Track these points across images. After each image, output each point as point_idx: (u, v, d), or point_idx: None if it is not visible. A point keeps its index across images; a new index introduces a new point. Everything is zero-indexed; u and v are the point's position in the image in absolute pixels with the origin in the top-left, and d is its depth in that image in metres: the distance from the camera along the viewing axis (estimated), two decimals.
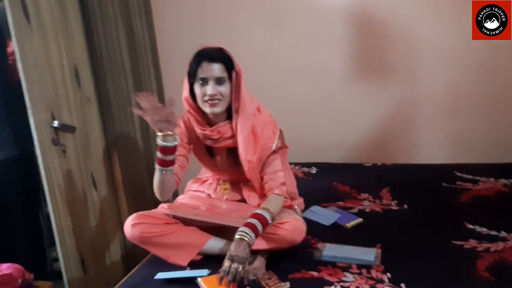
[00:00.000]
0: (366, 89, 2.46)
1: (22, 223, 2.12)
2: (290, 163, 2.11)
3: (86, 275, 2.04)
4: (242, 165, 1.74)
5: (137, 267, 1.74)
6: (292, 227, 1.61)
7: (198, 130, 1.74)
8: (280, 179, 1.74)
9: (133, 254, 2.29)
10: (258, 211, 1.59)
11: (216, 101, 1.65)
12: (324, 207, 2.00)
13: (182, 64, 1.70)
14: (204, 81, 1.65)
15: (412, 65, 2.38)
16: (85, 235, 2.06)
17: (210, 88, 1.63)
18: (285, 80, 2.53)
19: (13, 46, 1.74)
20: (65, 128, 1.94)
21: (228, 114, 1.72)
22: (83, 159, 2.06)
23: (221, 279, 1.44)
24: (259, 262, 1.56)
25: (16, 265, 1.73)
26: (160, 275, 1.53)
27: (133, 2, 2.18)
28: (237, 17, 2.49)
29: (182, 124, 1.81)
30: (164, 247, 1.64)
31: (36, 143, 1.82)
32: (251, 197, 1.82)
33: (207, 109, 1.67)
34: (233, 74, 1.66)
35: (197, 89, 1.67)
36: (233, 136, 1.72)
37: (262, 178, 1.77)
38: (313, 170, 2.41)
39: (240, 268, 1.45)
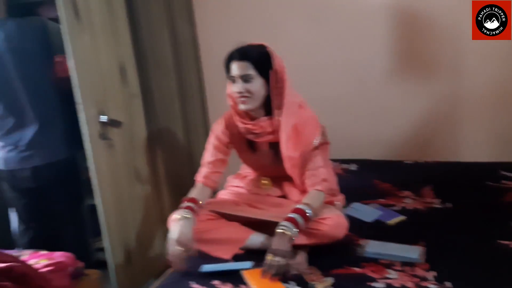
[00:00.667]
0: (408, 85, 2.42)
1: (66, 216, 2.20)
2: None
3: (130, 265, 2.11)
4: (284, 161, 1.75)
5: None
6: (334, 223, 1.62)
7: (241, 124, 1.78)
8: (321, 175, 1.74)
9: None
10: (299, 206, 1.60)
11: (244, 98, 1.68)
12: (365, 204, 1.99)
13: (222, 61, 1.74)
14: (233, 79, 1.69)
15: (455, 61, 2.33)
16: (129, 227, 2.13)
17: (237, 86, 1.68)
18: (325, 76, 2.52)
19: (65, 43, 1.81)
20: (113, 123, 2.01)
21: (268, 109, 1.74)
22: (129, 154, 2.12)
23: (264, 273, 1.47)
24: (301, 257, 1.58)
25: (68, 254, 1.81)
26: (206, 268, 1.57)
27: (176, 1, 2.23)
28: (278, 14, 2.50)
29: (223, 122, 1.85)
30: (207, 242, 1.69)
31: (85, 137, 1.89)
32: (292, 193, 1.83)
33: (239, 105, 1.71)
34: (271, 71, 1.68)
35: (230, 86, 1.72)
36: (274, 132, 1.74)
37: (303, 174, 1.79)
38: (353, 167, 2.39)
39: (283, 262, 1.48)
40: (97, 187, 1.94)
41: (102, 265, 2.07)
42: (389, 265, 1.52)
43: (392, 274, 1.47)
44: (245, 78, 1.66)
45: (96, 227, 2.45)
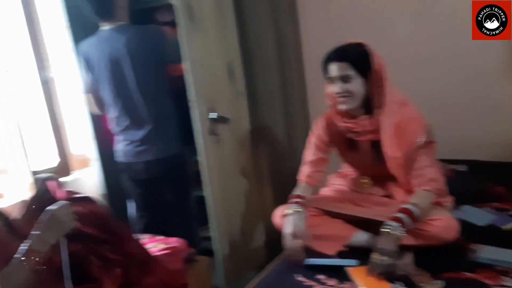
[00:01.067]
0: None
1: (176, 206, 2.36)
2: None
3: (235, 256, 2.22)
4: (387, 161, 1.73)
5: (284, 252, 1.84)
6: (445, 225, 1.56)
7: (341, 123, 1.78)
8: (429, 175, 1.68)
9: (276, 241, 2.41)
10: (406, 205, 1.57)
11: (343, 99, 1.68)
12: (476, 207, 1.89)
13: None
14: (332, 80, 1.69)
15: None
16: (234, 219, 2.24)
17: (336, 87, 1.68)
18: (431, 73, 2.42)
19: (181, 44, 1.95)
20: (221, 119, 2.12)
21: (368, 108, 1.72)
22: (234, 149, 2.24)
23: (370, 271, 1.47)
24: (408, 257, 1.55)
25: (181, 240, 1.96)
26: (311, 261, 1.61)
27: (281, 2, 2.29)
28: (381, 11, 2.45)
29: (323, 122, 1.87)
30: (312, 237, 1.72)
31: (197, 132, 2.03)
32: (397, 193, 1.80)
33: (339, 105, 1.72)
34: (370, 70, 1.66)
35: (328, 87, 1.73)
36: (375, 131, 1.72)
37: (408, 174, 1.74)
38: (462, 168, 2.27)
39: (389, 261, 1.46)
40: (207, 180, 2.06)
41: (207, 253, 2.20)
42: (505, 273, 1.43)
43: (508, 282, 1.39)
44: (344, 79, 1.66)
45: (202, 218, 2.63)
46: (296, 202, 1.72)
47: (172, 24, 2.33)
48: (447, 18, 2.34)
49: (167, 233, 2.10)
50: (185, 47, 1.93)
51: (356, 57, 1.66)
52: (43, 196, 1.45)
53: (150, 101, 2.16)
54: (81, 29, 2.18)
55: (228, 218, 2.20)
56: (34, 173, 2.15)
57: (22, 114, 2.14)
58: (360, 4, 2.46)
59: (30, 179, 2.12)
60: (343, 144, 1.86)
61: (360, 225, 1.73)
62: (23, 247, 1.24)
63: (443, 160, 2.29)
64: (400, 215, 1.54)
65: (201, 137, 2.02)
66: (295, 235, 1.63)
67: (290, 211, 1.69)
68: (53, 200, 1.39)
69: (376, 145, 1.75)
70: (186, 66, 1.97)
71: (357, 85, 1.66)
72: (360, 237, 1.70)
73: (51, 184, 1.53)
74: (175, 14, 1.92)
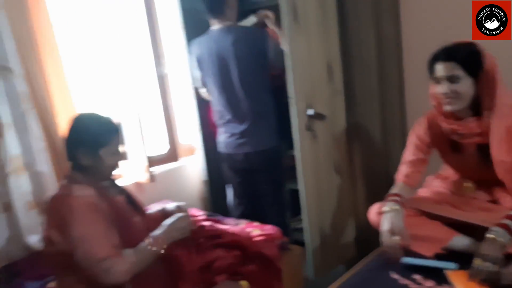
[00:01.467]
0: None
1: (270, 196, 2.48)
2: None
3: (324, 248, 2.28)
4: (494, 165, 1.67)
5: (378, 249, 1.86)
6: None
7: (445, 124, 1.75)
8: None
9: (366, 238, 2.44)
10: None
11: (450, 99, 1.64)
12: None
13: (424, 61, 1.72)
14: (438, 80, 1.66)
15: None
16: (325, 213, 2.30)
17: (442, 87, 1.64)
18: None
19: (284, 45, 2.05)
20: (318, 116, 2.19)
21: (476, 109, 1.68)
22: (329, 145, 2.29)
23: (472, 277, 1.45)
24: None
25: (276, 228, 2.07)
26: (407, 260, 1.62)
27: (383, 2, 2.29)
28: None
29: (425, 122, 1.85)
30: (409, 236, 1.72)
31: (294, 128, 2.11)
32: (504, 199, 1.73)
33: (444, 106, 1.68)
34: (481, 71, 1.61)
35: (433, 87, 1.70)
36: (483, 133, 1.66)
37: None
38: None
39: (493, 268, 1.43)
40: (301, 174, 2.14)
41: (297, 244, 2.28)
42: None
43: None
44: (451, 79, 1.62)
45: (294, 209, 2.72)
46: (394, 200, 1.74)
47: (277, 24, 2.45)
48: None
49: (261, 221, 2.22)
50: (288, 46, 2.02)
51: (465, 56, 1.62)
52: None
53: (251, 97, 2.30)
54: (193, 29, 2.37)
55: (320, 211, 2.26)
56: (148, 158, 2.39)
57: (141, 106, 2.37)
58: (467, 5, 2.36)
59: (145, 163, 2.36)
60: (446, 145, 1.82)
61: (459, 229, 1.70)
62: (155, 233, 1.56)
63: None
64: (507, 221, 1.49)
65: (298, 133, 2.10)
66: (392, 233, 1.65)
67: (388, 208, 1.71)
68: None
69: (482, 149, 1.70)
70: (288, 64, 2.06)
71: (465, 85, 1.62)
72: (460, 241, 1.67)
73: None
74: (280, 14, 2.02)
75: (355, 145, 2.44)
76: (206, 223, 2.07)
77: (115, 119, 1.59)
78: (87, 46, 2.30)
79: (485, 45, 1.71)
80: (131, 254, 1.47)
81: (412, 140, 1.89)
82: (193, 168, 2.79)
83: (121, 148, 1.59)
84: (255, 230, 2.06)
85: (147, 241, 1.53)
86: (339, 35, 2.31)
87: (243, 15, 2.45)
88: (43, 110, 2.03)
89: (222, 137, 2.45)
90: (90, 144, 1.49)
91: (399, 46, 2.35)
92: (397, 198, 1.74)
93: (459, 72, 1.61)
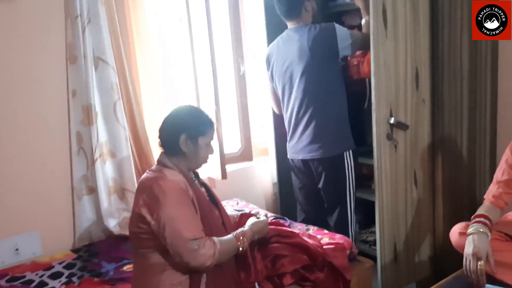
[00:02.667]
0: None
1: (331, 207, 2.38)
2: None
3: (396, 264, 2.18)
4: None
5: (456, 273, 1.74)
6: None
7: None
8: None
9: (442, 257, 2.29)
10: None
11: None
12: None
13: None
14: None
15: None
16: (400, 227, 2.18)
17: None
18: None
19: (371, 49, 1.97)
20: (400, 125, 2.09)
21: None
22: (410, 156, 2.17)
23: None
24: None
25: (347, 238, 2.00)
26: (491, 287, 1.49)
27: None
28: None
29: None
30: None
31: (374, 135, 2.03)
32: None
33: None
34: None
35: None
36: None
37: None
38: None
39: None
40: (378, 183, 2.06)
41: (367, 257, 2.19)
42: None
43: None
44: None
45: (366, 220, 2.62)
46: (480, 222, 1.60)
47: (359, 28, 2.37)
48: None
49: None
50: (373, 50, 1.95)
51: None
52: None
53: (320, 99, 2.20)
54: (277, 28, 2.36)
55: (394, 225, 2.16)
56: (222, 155, 2.42)
57: (219, 103, 2.41)
58: None
59: (219, 160, 2.41)
60: None
61: None
62: (243, 229, 1.64)
63: None
64: None
65: (377, 141, 2.03)
66: (477, 257, 1.53)
67: (473, 230, 1.59)
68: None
69: None
70: (372, 69, 1.99)
71: None
72: None
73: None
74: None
75: (439, 159, 2.30)
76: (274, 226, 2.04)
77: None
78: (174, 42, 2.39)
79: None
80: (219, 242, 1.51)
81: (506, 159, 1.74)
82: (265, 169, 2.80)
83: (212, 142, 1.66)
84: (324, 237, 2.01)
85: (233, 235, 1.59)
86: (430, 40, 2.19)
87: (326, 18, 2.40)
88: (130, 101, 2.14)
89: (290, 142, 2.40)
90: (193, 131, 1.56)
91: (495, 55, 2.17)
92: (484, 220, 1.61)
93: None
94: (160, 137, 1.62)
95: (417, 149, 2.21)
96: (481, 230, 1.57)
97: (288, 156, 2.41)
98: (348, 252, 1.93)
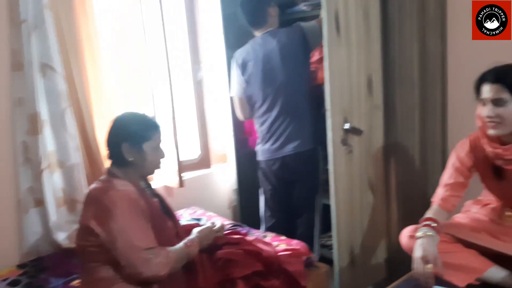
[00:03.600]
0: None
1: (302, 209, 2.43)
2: None
3: (353, 268, 2.20)
4: None
5: (407, 275, 1.77)
6: None
7: (489, 148, 1.65)
8: None
9: (397, 260, 2.33)
10: None
11: (493, 123, 1.56)
12: None
13: (470, 80, 1.64)
14: (483, 102, 1.58)
15: None
16: (356, 231, 2.21)
17: (486, 110, 1.56)
18: None
19: (324, 55, 2.00)
20: (354, 131, 2.12)
21: None
22: (364, 161, 2.21)
23: None
24: None
25: (303, 243, 2.01)
26: None
27: (430, 18, 2.20)
28: None
29: (468, 144, 1.76)
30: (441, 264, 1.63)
31: (329, 140, 2.05)
32: None
33: (488, 130, 1.60)
34: None
35: (479, 108, 1.61)
36: None
37: None
38: None
39: None
40: (333, 188, 2.07)
41: (325, 261, 2.21)
42: None
43: None
44: (497, 102, 1.54)
45: (324, 225, 2.65)
46: (428, 225, 1.64)
47: None
48: None
49: (290, 235, 2.18)
50: (327, 58, 1.97)
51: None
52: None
53: (296, 98, 2.30)
54: (234, 35, 2.37)
55: (351, 229, 2.18)
56: (179, 162, 2.39)
57: (175, 110, 2.38)
58: None
59: (176, 167, 2.37)
60: (488, 170, 1.72)
61: (495, 260, 1.60)
62: (190, 237, 1.63)
63: None
64: None
65: (333, 146, 2.05)
66: (425, 260, 1.56)
67: (421, 233, 1.62)
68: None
69: None
70: (326, 76, 2.01)
71: (511, 110, 1.53)
72: (496, 272, 1.57)
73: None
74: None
75: (392, 163, 2.35)
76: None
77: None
78: (127, 48, 2.34)
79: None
80: (171, 251, 1.50)
81: (452, 162, 1.79)
82: (224, 175, 2.78)
83: (161, 146, 1.62)
84: (281, 244, 2.01)
85: (183, 243, 1.58)
86: (381, 48, 2.24)
87: (287, 24, 2.43)
88: (80, 109, 2.08)
89: (262, 145, 2.41)
90: (135, 138, 1.53)
91: (444, 63, 2.24)
92: (432, 223, 1.65)
93: (505, 95, 1.53)
94: (106, 148, 1.58)
95: (371, 154, 2.25)
96: (429, 233, 1.61)
97: (262, 159, 2.42)
98: (304, 257, 1.94)
